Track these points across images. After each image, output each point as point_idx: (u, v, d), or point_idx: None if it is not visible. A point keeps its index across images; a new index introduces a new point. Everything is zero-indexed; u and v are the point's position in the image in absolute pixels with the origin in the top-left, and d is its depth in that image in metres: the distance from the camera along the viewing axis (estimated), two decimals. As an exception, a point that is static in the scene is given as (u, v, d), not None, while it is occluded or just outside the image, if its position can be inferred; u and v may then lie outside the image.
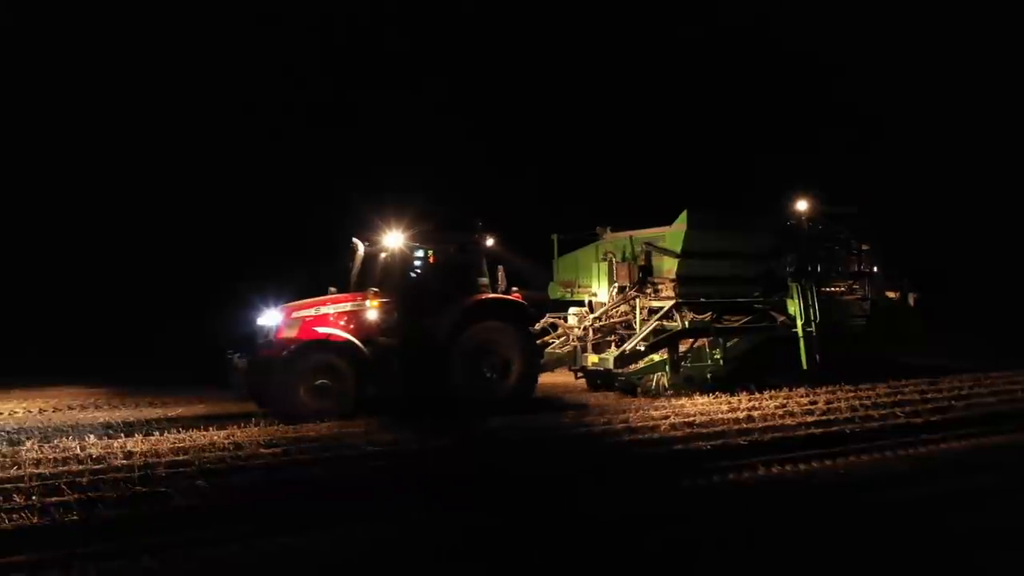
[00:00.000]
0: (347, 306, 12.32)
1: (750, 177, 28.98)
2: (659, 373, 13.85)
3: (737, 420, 10.83)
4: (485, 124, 31.77)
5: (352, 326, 12.20)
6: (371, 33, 32.73)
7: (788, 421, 10.81)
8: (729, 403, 12.17)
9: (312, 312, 12.11)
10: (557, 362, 14.85)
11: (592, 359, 14.11)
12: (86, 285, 22.35)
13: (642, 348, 13.62)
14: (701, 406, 12.01)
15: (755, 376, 14.04)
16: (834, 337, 14.66)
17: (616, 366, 13.54)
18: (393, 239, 12.45)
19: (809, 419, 10.95)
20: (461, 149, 28.95)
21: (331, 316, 12.17)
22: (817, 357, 14.23)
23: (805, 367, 14.23)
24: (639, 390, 14.04)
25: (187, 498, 7.26)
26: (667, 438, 9.87)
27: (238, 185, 25.40)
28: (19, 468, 8.18)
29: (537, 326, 14.74)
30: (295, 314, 12.03)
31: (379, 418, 11.41)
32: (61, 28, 27.50)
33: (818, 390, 13.23)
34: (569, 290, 16.51)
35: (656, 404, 12.34)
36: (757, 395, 12.89)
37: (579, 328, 14.79)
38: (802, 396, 12.82)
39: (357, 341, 11.93)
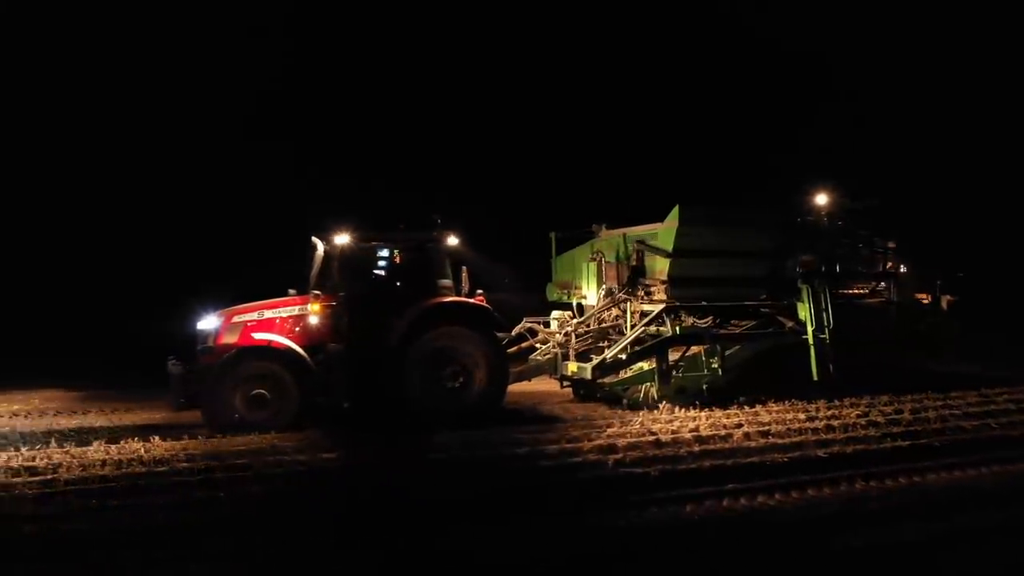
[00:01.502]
0: (294, 310, 11.46)
1: (763, 177, 27.47)
2: (648, 383, 12.60)
3: (816, 430, 10.25)
4: (501, 119, 30.97)
5: (299, 331, 11.36)
6: (363, 29, 32.16)
7: (871, 432, 10.20)
8: (806, 411, 11.56)
9: (254, 316, 11.29)
10: (537, 370, 13.70)
11: (571, 367, 12.90)
12: (65, 285, 22.30)
13: (623, 357, 12.41)
14: (776, 414, 11.38)
15: (760, 387, 12.68)
16: (851, 344, 13.15)
17: (595, 376, 12.35)
18: (340, 237, 11.56)
19: (895, 430, 10.29)
20: (464, 146, 28.16)
21: (276, 321, 11.34)
22: (831, 367, 12.78)
23: (816, 377, 12.78)
24: (625, 401, 12.83)
25: (238, 504, 7.28)
26: (742, 448, 9.33)
27: (214, 185, 25.10)
28: (84, 470, 8.15)
29: (514, 331, 13.70)
30: (236, 318, 11.23)
31: (320, 430, 10.61)
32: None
33: (903, 398, 12.37)
34: (566, 292, 15.31)
35: (728, 412, 11.43)
36: (836, 403, 11.99)
37: (560, 334, 13.61)
38: (885, 404, 11.89)
39: (299, 348, 11.08)
